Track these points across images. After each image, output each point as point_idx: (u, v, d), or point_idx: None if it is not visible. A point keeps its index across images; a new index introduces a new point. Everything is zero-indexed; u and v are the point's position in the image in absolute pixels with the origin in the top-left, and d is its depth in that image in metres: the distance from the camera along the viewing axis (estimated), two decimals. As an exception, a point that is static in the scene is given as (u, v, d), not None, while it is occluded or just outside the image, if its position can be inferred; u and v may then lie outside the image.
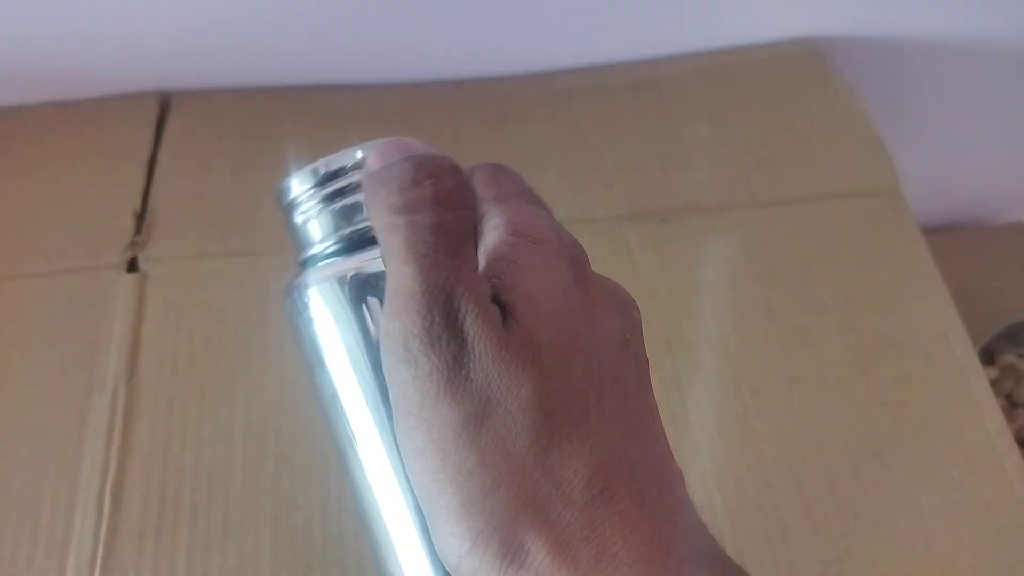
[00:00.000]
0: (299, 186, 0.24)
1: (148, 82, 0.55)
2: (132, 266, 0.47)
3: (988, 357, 0.64)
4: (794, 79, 0.57)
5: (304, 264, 0.25)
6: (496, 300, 0.18)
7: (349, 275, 0.23)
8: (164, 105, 0.55)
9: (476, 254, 0.19)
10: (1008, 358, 0.64)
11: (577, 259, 0.21)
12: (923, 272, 0.47)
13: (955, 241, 0.71)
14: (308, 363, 0.24)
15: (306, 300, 0.23)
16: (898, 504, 0.40)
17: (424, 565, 0.22)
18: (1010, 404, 0.64)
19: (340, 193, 0.23)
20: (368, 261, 0.23)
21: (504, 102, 0.56)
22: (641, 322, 0.22)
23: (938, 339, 0.45)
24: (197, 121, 0.54)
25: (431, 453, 0.17)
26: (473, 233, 0.20)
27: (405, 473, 0.19)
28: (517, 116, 0.55)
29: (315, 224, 0.24)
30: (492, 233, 0.20)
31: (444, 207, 0.19)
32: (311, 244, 0.24)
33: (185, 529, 0.39)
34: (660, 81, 0.57)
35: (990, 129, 0.68)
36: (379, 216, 0.19)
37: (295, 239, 0.25)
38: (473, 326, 0.17)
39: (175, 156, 0.52)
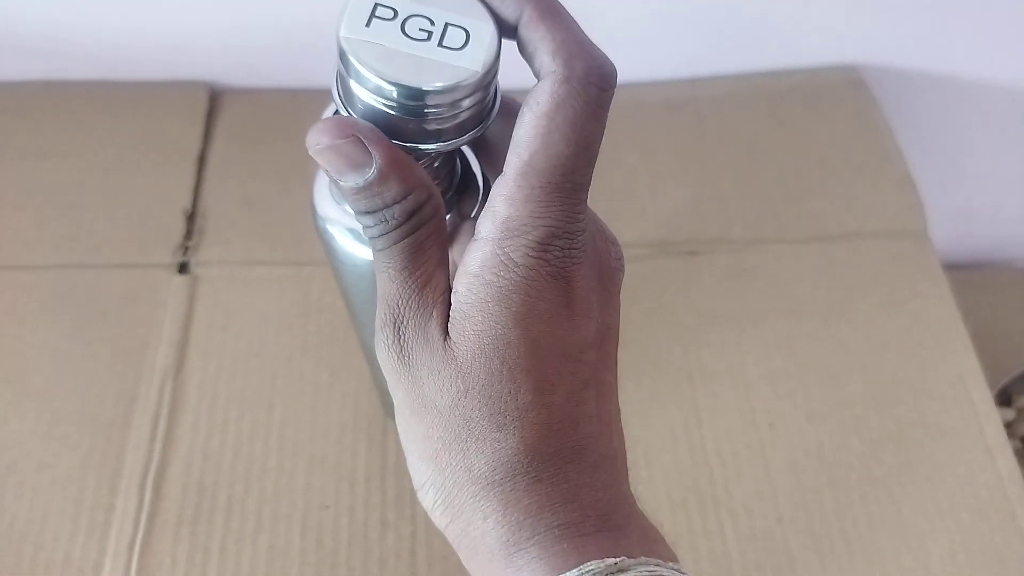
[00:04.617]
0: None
1: (196, 72, 0.56)
2: (183, 267, 0.49)
3: (1005, 398, 0.65)
4: (833, 107, 0.57)
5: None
6: (452, 311, 0.21)
7: None
8: (213, 99, 0.57)
9: (436, 261, 0.21)
10: (1026, 400, 0.65)
11: (564, 274, 0.21)
12: (944, 315, 0.48)
13: (979, 280, 0.71)
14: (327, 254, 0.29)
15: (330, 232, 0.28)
16: (906, 543, 0.41)
17: None
18: (1025, 446, 0.64)
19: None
20: None
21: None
22: (620, 285, 0.24)
23: (955, 382, 0.46)
24: (246, 119, 0.56)
25: (401, 410, 0.22)
26: (437, 235, 0.21)
27: None
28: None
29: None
30: (478, 243, 0.21)
31: (413, 223, 0.21)
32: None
33: (220, 521, 0.41)
34: (699, 101, 0.57)
35: (1019, 171, 0.69)
36: (352, 207, 0.21)
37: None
38: (411, 341, 0.21)
39: (225, 155, 0.54)
